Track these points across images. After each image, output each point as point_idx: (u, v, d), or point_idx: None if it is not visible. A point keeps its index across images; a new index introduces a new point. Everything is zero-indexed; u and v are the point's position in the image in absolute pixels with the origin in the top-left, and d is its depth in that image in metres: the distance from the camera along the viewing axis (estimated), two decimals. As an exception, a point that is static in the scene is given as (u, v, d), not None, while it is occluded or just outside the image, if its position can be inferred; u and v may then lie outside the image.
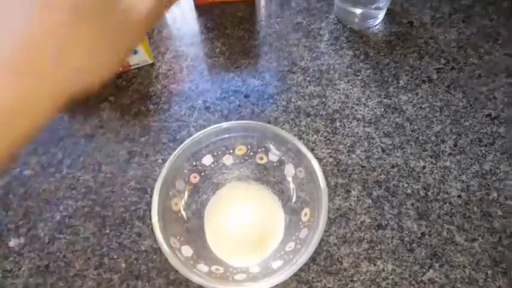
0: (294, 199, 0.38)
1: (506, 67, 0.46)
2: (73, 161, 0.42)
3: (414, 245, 0.37)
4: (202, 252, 0.36)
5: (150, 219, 0.39)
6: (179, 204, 0.37)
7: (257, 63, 0.48)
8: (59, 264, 0.37)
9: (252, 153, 0.39)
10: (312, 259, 0.36)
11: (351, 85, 0.46)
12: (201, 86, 0.47)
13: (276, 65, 0.48)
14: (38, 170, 0.42)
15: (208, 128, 0.37)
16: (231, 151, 0.39)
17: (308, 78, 0.47)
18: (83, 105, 0.46)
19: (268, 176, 0.40)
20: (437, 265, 0.36)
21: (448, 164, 0.41)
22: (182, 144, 0.36)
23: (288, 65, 0.48)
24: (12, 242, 0.38)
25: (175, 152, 0.36)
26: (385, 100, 0.45)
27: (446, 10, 0.51)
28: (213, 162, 0.39)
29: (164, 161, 0.42)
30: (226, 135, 0.38)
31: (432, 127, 0.43)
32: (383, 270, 0.36)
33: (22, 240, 0.38)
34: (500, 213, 0.38)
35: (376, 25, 0.50)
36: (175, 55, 0.49)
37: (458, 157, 0.41)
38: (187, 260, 0.33)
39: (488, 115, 0.43)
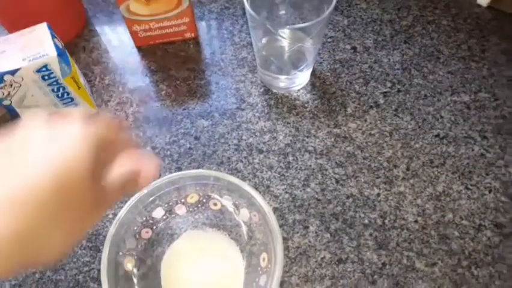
0: (252, 242, 0.37)
1: (450, 85, 0.47)
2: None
3: (375, 276, 0.37)
4: None
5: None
6: (132, 262, 0.35)
7: (205, 103, 0.47)
8: None
9: (204, 200, 0.38)
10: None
11: (300, 117, 0.46)
12: (148, 131, 0.46)
13: (225, 103, 0.47)
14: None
15: (157, 180, 0.36)
16: (183, 200, 0.38)
17: (257, 114, 0.46)
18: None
19: (225, 221, 0.39)
20: (399, 297, 0.35)
21: (402, 189, 0.41)
22: (132, 198, 0.35)
23: (237, 102, 0.47)
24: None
25: (124, 207, 0.35)
26: (335, 130, 0.45)
27: (387, 32, 0.52)
28: (164, 214, 0.38)
29: (115, 215, 0.40)
30: (177, 185, 0.37)
31: (383, 153, 0.43)
32: (347, 308, 0.35)
33: None
34: (457, 234, 0.38)
35: (301, 89, 0.48)
36: (119, 102, 0.48)
37: (411, 181, 0.41)
38: None
39: (437, 135, 0.44)
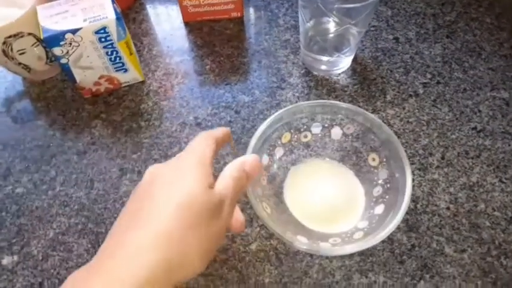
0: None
1: (490, 81, 0.48)
2: (66, 178, 0.42)
3: (404, 256, 0.37)
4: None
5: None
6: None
7: (247, 80, 0.49)
8: (53, 282, 0.37)
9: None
10: (304, 272, 0.36)
11: (339, 100, 0.47)
12: (192, 102, 0.47)
13: (265, 81, 0.49)
14: (30, 188, 0.42)
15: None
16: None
17: (297, 94, 0.48)
18: (75, 122, 0.46)
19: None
20: (427, 276, 0.36)
21: (435, 176, 0.41)
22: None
23: (277, 81, 0.49)
24: (6, 260, 0.38)
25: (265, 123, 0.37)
26: (373, 114, 0.45)
27: (430, 26, 0.52)
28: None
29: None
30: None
31: (419, 140, 0.44)
32: (375, 282, 0.36)
33: (16, 258, 0.38)
34: (488, 224, 0.39)
35: (341, 73, 0.49)
36: (165, 72, 0.50)
37: (445, 170, 0.42)
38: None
39: (474, 128, 0.44)
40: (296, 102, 0.47)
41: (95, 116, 0.47)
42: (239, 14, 0.52)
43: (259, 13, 0.54)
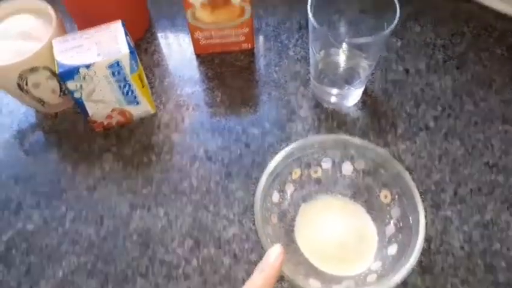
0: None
1: (502, 114, 0.47)
2: (76, 215, 0.42)
3: (418, 298, 0.37)
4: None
5: (153, 275, 0.39)
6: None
7: (257, 112, 0.49)
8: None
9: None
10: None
11: (350, 134, 0.47)
12: (202, 135, 0.47)
13: (276, 114, 0.49)
14: (41, 225, 0.42)
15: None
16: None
17: (307, 127, 0.48)
18: (86, 156, 0.46)
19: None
20: (442, 320, 0.36)
21: (448, 214, 0.41)
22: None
23: (287, 113, 0.49)
24: (13, 301, 0.38)
25: (276, 158, 0.37)
26: (384, 149, 0.45)
27: (440, 57, 0.52)
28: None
29: (166, 213, 0.42)
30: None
31: (431, 176, 0.43)
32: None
33: (23, 298, 0.38)
34: (504, 265, 0.38)
35: (352, 106, 0.49)
36: (176, 104, 0.50)
37: (458, 207, 0.41)
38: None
39: (487, 163, 0.44)
40: (306, 135, 0.47)
41: (106, 149, 0.47)
42: (250, 46, 0.53)
43: (269, 44, 0.54)
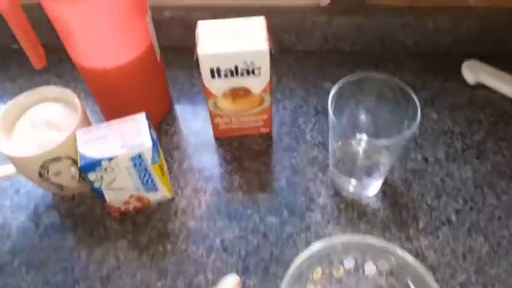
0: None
1: (525, 208, 0.46)
2: (87, 309, 0.41)
3: None
4: None
5: None
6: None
7: (275, 199, 0.48)
8: None
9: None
10: None
11: (371, 226, 0.46)
12: (219, 223, 0.47)
13: (294, 201, 0.48)
14: (50, 320, 0.40)
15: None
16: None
17: (327, 217, 0.47)
18: (101, 242, 0.46)
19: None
20: None
21: (477, 319, 0.39)
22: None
23: (306, 201, 0.48)
24: None
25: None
26: (406, 244, 0.44)
27: (458, 146, 0.52)
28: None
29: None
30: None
31: (456, 276, 0.42)
32: None
33: None
34: None
35: (372, 196, 0.49)
36: (194, 189, 0.50)
37: (487, 312, 0.39)
38: None
39: (513, 263, 0.42)
40: (326, 225, 0.46)
41: (122, 236, 0.46)
42: (268, 130, 0.53)
43: (287, 128, 0.55)
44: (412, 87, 0.42)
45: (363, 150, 0.44)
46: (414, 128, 0.39)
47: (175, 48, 0.61)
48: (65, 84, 0.62)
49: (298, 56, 0.63)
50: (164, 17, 0.62)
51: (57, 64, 0.65)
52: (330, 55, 0.63)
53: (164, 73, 0.55)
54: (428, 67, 0.61)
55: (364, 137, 0.43)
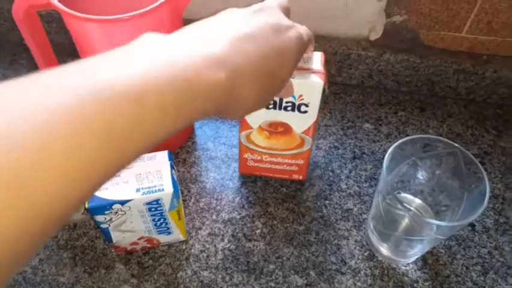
0: None
1: None
2: None
3: None
4: None
5: None
6: None
7: (301, 255, 0.43)
8: None
9: None
10: None
11: (408, 300, 0.40)
12: (236, 277, 0.41)
13: (323, 261, 0.42)
14: None
15: None
16: None
17: (359, 284, 0.41)
18: (101, 285, 0.40)
19: None
20: None
21: None
22: None
23: (337, 262, 0.42)
24: None
25: None
26: (449, 330, 0.38)
27: (510, 214, 0.47)
28: None
29: None
30: None
31: None
32: None
33: None
34: None
35: (410, 263, 0.43)
36: (210, 232, 0.44)
37: None
38: None
39: None
40: (357, 294, 0.40)
41: (125, 280, 0.40)
42: (301, 178, 0.48)
43: (319, 171, 0.49)
44: (461, 140, 0.37)
45: (409, 221, 0.38)
46: (477, 214, 0.34)
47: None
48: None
49: (337, 89, 0.58)
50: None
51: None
52: (373, 92, 0.58)
53: (190, 95, 0.50)
54: (480, 119, 0.55)
55: (417, 200, 0.38)
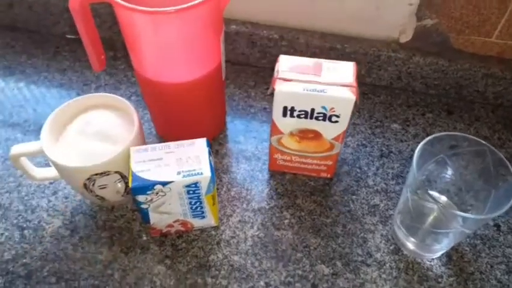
0: None
1: None
2: None
3: None
4: None
5: None
6: None
7: (328, 246, 0.44)
8: None
9: None
10: None
11: (432, 293, 0.41)
12: (265, 263, 0.43)
13: (349, 252, 0.44)
14: None
15: None
16: None
17: (384, 276, 0.42)
18: (137, 264, 0.42)
19: None
20: None
21: None
22: None
23: (363, 254, 0.44)
24: None
25: None
26: (473, 324, 0.39)
27: (535, 216, 0.47)
28: None
29: None
30: None
31: None
32: None
33: None
34: None
35: (435, 258, 0.44)
36: (241, 220, 0.46)
37: None
38: None
39: None
40: (382, 285, 0.42)
41: (159, 260, 0.43)
42: (328, 176, 0.49)
43: (347, 168, 0.51)
44: (488, 143, 0.38)
45: (437, 213, 0.39)
46: (504, 209, 0.35)
47: (236, 63, 0.58)
48: (117, 84, 0.60)
49: (366, 90, 0.59)
50: (231, 30, 0.59)
51: (111, 62, 0.63)
52: (401, 94, 0.59)
53: (225, 91, 0.52)
54: (508, 123, 0.56)
55: (443, 198, 0.39)
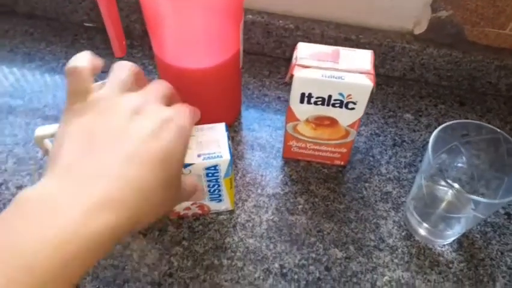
0: None
1: None
2: (135, 316, 0.39)
3: None
4: None
5: None
6: None
7: (341, 231, 0.45)
8: None
9: None
10: None
11: (443, 278, 0.42)
12: (279, 246, 0.44)
13: (362, 237, 0.45)
14: (97, 321, 0.38)
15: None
16: None
17: (396, 261, 0.43)
18: (155, 245, 0.43)
19: None
20: None
21: None
22: None
23: (375, 239, 0.45)
24: None
25: None
26: (483, 307, 0.40)
27: (546, 206, 0.48)
28: None
29: None
30: None
31: None
32: None
33: None
34: None
35: (446, 244, 0.45)
36: (256, 205, 0.47)
37: None
38: None
39: None
40: (394, 269, 0.42)
41: (177, 242, 0.44)
42: (342, 163, 0.50)
43: (360, 156, 0.52)
44: None
45: (451, 198, 0.40)
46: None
47: (251, 52, 0.59)
48: (134, 71, 0.61)
49: (379, 80, 0.60)
50: (247, 20, 0.60)
51: (128, 50, 0.63)
52: (414, 85, 0.60)
53: (241, 79, 0.53)
54: (519, 115, 0.57)
55: (456, 185, 0.40)
